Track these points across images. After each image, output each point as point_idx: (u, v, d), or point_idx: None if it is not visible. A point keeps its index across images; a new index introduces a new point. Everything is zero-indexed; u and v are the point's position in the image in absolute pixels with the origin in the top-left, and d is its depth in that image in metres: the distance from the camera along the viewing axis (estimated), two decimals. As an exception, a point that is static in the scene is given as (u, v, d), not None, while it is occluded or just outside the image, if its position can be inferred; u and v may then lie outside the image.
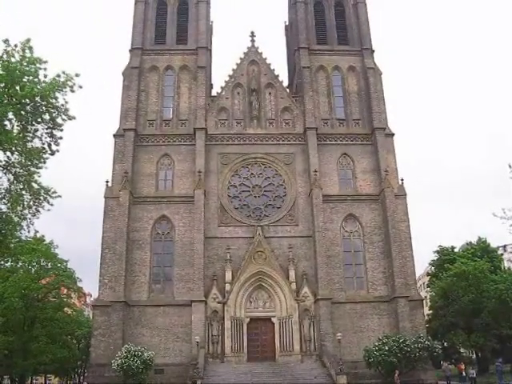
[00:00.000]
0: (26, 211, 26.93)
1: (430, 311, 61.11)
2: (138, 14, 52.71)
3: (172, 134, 48.59)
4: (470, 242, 64.48)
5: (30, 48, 24.79)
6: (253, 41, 53.03)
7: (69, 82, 25.20)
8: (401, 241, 44.99)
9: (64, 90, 25.15)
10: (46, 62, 25.36)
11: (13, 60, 24.36)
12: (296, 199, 47.03)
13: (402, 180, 47.53)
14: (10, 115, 24.79)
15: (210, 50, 54.94)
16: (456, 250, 64.86)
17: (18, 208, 26.60)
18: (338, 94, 51.39)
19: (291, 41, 58.60)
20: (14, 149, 25.30)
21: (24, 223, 27.63)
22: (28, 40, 24.89)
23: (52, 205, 27.87)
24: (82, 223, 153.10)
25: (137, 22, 52.36)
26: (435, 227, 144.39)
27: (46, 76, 25.25)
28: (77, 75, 25.64)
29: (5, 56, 24.52)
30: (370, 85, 50.49)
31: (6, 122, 24.96)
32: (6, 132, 24.73)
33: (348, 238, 46.24)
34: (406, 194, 46.99)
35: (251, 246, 44.20)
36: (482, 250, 60.65)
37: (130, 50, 51.13)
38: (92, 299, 75.96)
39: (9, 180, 26.30)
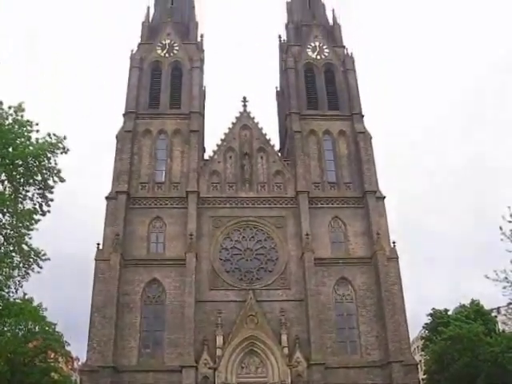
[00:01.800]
0: (16, 273, 26.67)
1: (425, 375, 59.99)
2: (133, 79, 53.71)
3: (164, 197, 48.63)
4: (464, 305, 64.06)
5: (23, 110, 25.13)
6: (245, 106, 53.87)
7: (59, 144, 25.49)
8: (393, 304, 44.53)
9: (56, 151, 25.41)
10: (37, 125, 25.72)
11: (6, 122, 24.66)
12: (288, 262, 46.73)
13: (394, 243, 47.44)
14: (3, 176, 24.90)
15: (203, 115, 55.67)
16: (449, 312, 64.31)
17: (6, 269, 26.32)
18: (329, 158, 51.91)
19: (282, 106, 59.62)
20: (5, 210, 25.28)
21: (12, 285, 27.33)
22: (20, 104, 25.26)
23: (41, 267, 27.66)
24: (70, 285, 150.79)
25: (131, 86, 53.29)
26: (428, 289, 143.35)
27: (37, 140, 25.55)
28: (65, 138, 25.99)
29: None
30: (360, 149, 51.08)
31: (-1, 184, 25.10)
32: (-1, 193, 24.81)
33: (340, 302, 45.73)
34: (397, 257, 46.76)
35: (243, 310, 43.50)
36: (475, 313, 60.11)
37: (124, 114, 51.79)
38: (80, 363, 74.05)
39: (-1, 241, 26.18)
